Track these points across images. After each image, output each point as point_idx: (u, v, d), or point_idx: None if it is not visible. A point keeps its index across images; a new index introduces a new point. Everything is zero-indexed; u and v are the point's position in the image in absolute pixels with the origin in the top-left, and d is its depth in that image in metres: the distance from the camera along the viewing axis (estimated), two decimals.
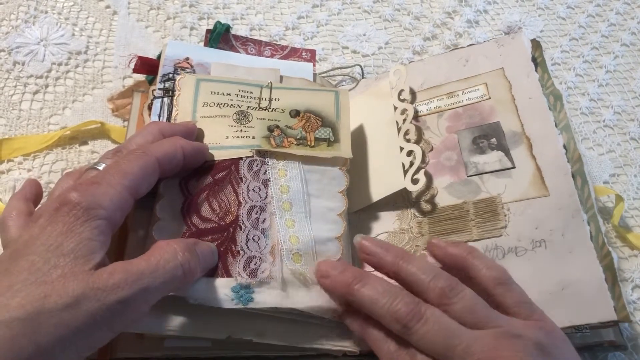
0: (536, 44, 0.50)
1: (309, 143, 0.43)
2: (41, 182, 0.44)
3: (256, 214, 0.39)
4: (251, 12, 0.63)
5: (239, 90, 0.46)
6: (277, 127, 0.44)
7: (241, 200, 0.39)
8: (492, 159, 0.45)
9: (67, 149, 0.51)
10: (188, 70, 0.48)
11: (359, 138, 0.49)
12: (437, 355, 0.32)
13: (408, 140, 0.46)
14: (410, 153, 0.45)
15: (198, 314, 0.36)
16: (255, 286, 0.36)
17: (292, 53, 0.56)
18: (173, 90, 0.46)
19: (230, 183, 0.40)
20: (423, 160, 0.45)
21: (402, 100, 0.49)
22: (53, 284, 0.28)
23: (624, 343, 0.41)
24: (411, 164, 0.45)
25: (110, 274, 0.29)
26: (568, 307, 0.38)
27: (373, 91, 0.52)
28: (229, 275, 0.36)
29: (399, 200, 0.46)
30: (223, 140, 0.42)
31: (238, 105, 0.45)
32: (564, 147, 0.44)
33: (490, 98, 0.48)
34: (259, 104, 0.45)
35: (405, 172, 0.45)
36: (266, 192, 0.40)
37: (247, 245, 0.38)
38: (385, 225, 0.45)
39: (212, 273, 0.36)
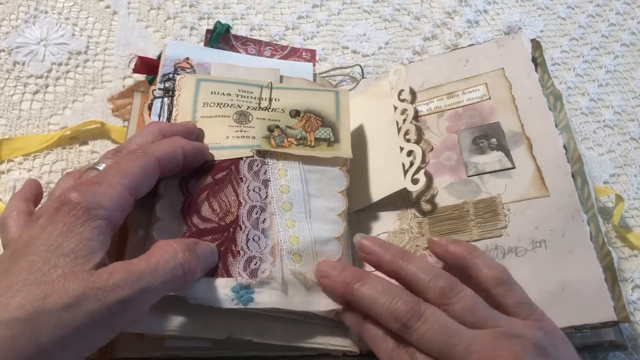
0: (536, 44, 0.50)
1: (309, 143, 0.43)
2: (41, 182, 0.44)
3: (256, 214, 0.39)
4: (251, 12, 0.63)
5: (239, 90, 0.46)
6: (277, 127, 0.44)
7: (241, 200, 0.39)
8: (492, 159, 0.45)
9: (67, 149, 0.51)
10: (188, 70, 0.48)
11: (359, 138, 0.49)
12: (437, 354, 0.32)
13: (408, 140, 0.46)
14: (410, 153, 0.45)
15: (198, 314, 0.36)
16: (255, 286, 0.36)
17: (292, 53, 0.56)
18: (173, 90, 0.46)
19: (231, 183, 0.40)
20: (423, 160, 0.45)
21: (402, 100, 0.49)
22: (53, 284, 0.28)
23: (624, 343, 0.41)
24: (411, 164, 0.45)
25: (111, 274, 0.29)
26: (568, 307, 0.38)
27: (373, 91, 0.52)
28: (229, 275, 0.36)
29: (399, 200, 0.46)
30: (223, 140, 0.42)
31: (238, 105, 0.45)
32: (564, 147, 0.44)
33: (490, 98, 0.48)
34: (259, 104, 0.45)
35: (406, 172, 0.45)
36: (266, 192, 0.40)
37: (247, 246, 0.38)
38: (386, 225, 0.45)
39: (212, 273, 0.36)
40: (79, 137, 0.52)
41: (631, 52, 0.60)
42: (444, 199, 0.45)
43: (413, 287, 0.36)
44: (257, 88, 0.46)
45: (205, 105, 0.44)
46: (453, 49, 0.54)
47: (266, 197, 0.40)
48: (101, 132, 0.52)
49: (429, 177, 0.46)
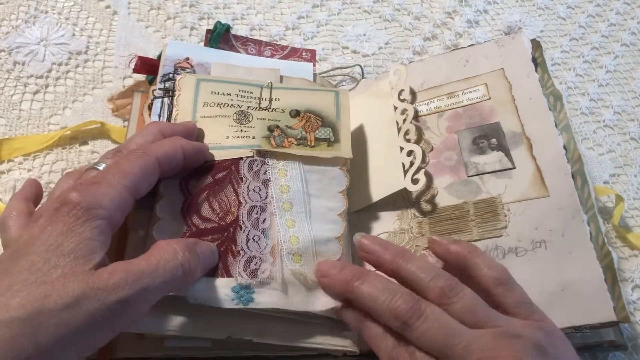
0: (536, 45, 0.50)
1: (309, 143, 0.43)
2: (41, 182, 0.44)
3: (256, 214, 0.39)
4: (251, 12, 0.63)
5: (239, 90, 0.46)
6: (277, 127, 0.44)
7: (241, 200, 0.39)
8: (492, 159, 0.45)
9: (67, 149, 0.51)
10: (188, 70, 0.48)
11: (359, 138, 0.49)
12: (437, 353, 0.32)
13: (408, 140, 0.46)
14: (410, 153, 0.45)
15: (198, 314, 0.36)
16: (255, 286, 0.36)
17: (292, 53, 0.56)
18: (173, 90, 0.46)
19: (231, 183, 0.40)
20: (423, 160, 0.45)
21: (402, 100, 0.49)
22: (53, 284, 0.28)
23: (624, 343, 0.41)
24: (411, 163, 0.45)
25: (111, 273, 0.29)
26: (568, 308, 0.38)
27: (373, 91, 0.52)
28: (229, 275, 0.36)
29: (399, 200, 0.46)
30: (223, 140, 0.42)
31: (238, 105, 0.45)
32: (564, 147, 0.44)
33: (490, 98, 0.48)
34: (259, 104, 0.45)
35: (406, 172, 0.45)
36: (266, 192, 0.40)
37: (247, 246, 0.38)
38: (386, 225, 0.45)
39: (213, 273, 0.36)
40: (79, 137, 0.52)
41: (631, 52, 0.60)
42: (444, 199, 0.45)
43: (413, 286, 0.36)
44: (257, 88, 0.46)
45: (206, 105, 0.44)
46: (453, 49, 0.54)
47: (266, 197, 0.40)
48: (101, 132, 0.52)
49: (429, 177, 0.46)
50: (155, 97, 0.46)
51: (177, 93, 0.45)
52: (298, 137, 0.44)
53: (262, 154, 0.42)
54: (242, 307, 0.35)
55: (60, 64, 0.56)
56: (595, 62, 0.60)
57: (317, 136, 0.44)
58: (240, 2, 0.63)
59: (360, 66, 0.56)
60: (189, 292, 0.35)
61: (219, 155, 0.41)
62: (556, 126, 0.45)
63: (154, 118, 0.45)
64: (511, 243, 0.41)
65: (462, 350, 0.31)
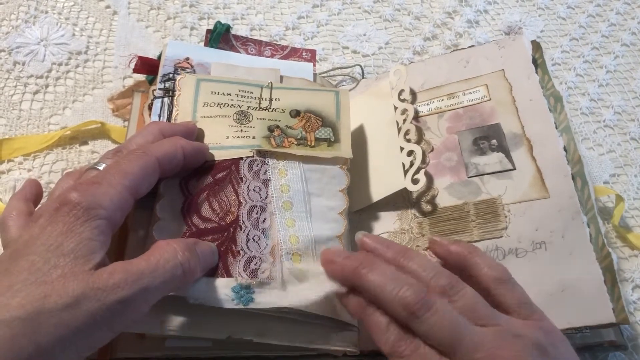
0: (536, 46, 0.50)
1: (309, 143, 0.43)
2: (41, 182, 0.44)
3: (256, 213, 0.39)
4: (251, 12, 0.63)
5: (239, 90, 0.46)
6: (278, 127, 0.44)
7: (241, 200, 0.39)
8: (492, 160, 0.45)
9: (67, 149, 0.51)
10: (188, 70, 0.48)
11: (359, 138, 0.49)
12: (443, 347, 0.32)
13: (408, 140, 0.46)
14: (410, 153, 0.45)
15: (198, 314, 0.36)
16: (255, 286, 0.36)
17: (292, 53, 0.56)
18: (173, 90, 0.46)
19: (231, 183, 0.40)
20: (423, 161, 0.45)
21: (403, 101, 0.49)
22: (53, 284, 0.28)
23: (624, 343, 0.41)
24: (411, 164, 0.45)
25: (110, 273, 0.29)
26: (567, 309, 0.38)
27: (373, 91, 0.52)
28: (229, 275, 0.36)
29: (400, 201, 0.46)
30: (223, 140, 0.42)
31: (238, 105, 0.45)
32: (564, 148, 0.44)
33: (490, 99, 0.48)
34: (259, 104, 0.45)
35: (406, 172, 0.45)
36: (266, 192, 0.40)
37: (247, 245, 0.38)
38: (386, 226, 0.45)
39: (213, 273, 0.36)
40: (79, 137, 0.52)
41: (631, 52, 0.60)
42: (444, 200, 0.45)
43: None
44: (258, 88, 0.46)
45: (206, 105, 0.44)
46: (454, 50, 0.54)
47: (266, 197, 0.40)
48: (101, 132, 0.52)
49: (429, 178, 0.46)
50: (155, 97, 0.46)
51: (177, 93, 0.45)
52: (298, 137, 0.44)
53: (262, 153, 0.42)
54: (242, 307, 0.35)
55: (60, 64, 0.56)
56: (596, 62, 0.60)
57: (317, 136, 0.44)
58: (240, 2, 0.63)
59: (361, 66, 0.56)
60: (189, 292, 0.35)
61: (219, 155, 0.41)
62: (556, 127, 0.45)
63: (154, 118, 0.45)
64: (511, 244, 0.41)
65: (469, 346, 0.31)
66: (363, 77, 0.56)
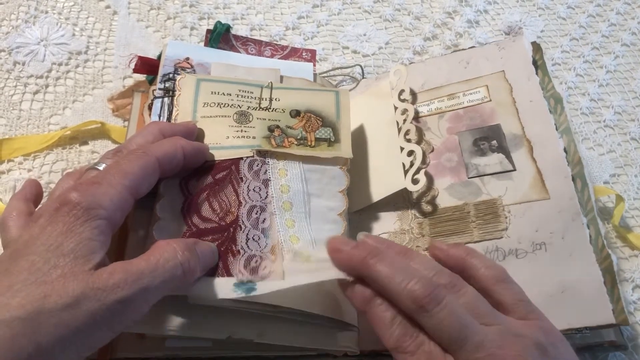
0: (537, 47, 0.50)
1: (309, 143, 0.43)
2: (41, 182, 0.44)
3: (256, 213, 0.39)
4: (251, 12, 0.63)
5: (240, 90, 0.46)
6: (278, 127, 0.44)
7: (241, 200, 0.39)
8: (492, 161, 0.45)
9: (67, 149, 0.51)
10: (188, 70, 0.48)
11: (359, 138, 0.49)
12: (448, 343, 0.31)
13: (409, 141, 0.46)
14: (410, 153, 0.45)
15: (198, 314, 0.36)
16: (257, 280, 0.36)
17: (293, 53, 0.56)
18: (173, 90, 0.46)
19: (231, 183, 0.40)
20: (423, 161, 0.45)
21: (403, 101, 0.49)
22: (53, 284, 0.28)
23: (624, 343, 0.41)
24: (411, 164, 0.45)
25: (110, 273, 0.29)
26: (567, 310, 0.38)
27: (373, 91, 0.52)
28: (229, 275, 0.36)
29: (400, 201, 0.46)
30: (223, 140, 0.42)
31: (238, 105, 0.45)
32: (565, 150, 0.44)
33: (491, 100, 0.48)
34: (260, 104, 0.45)
35: (406, 172, 0.45)
36: (266, 192, 0.40)
37: (247, 245, 0.38)
38: (386, 226, 0.45)
39: (213, 273, 0.36)
40: (79, 137, 0.52)
41: (631, 52, 0.60)
42: (444, 200, 0.45)
43: None
44: (258, 88, 0.46)
45: (206, 105, 0.44)
46: (454, 51, 0.54)
47: (266, 197, 0.40)
48: (101, 132, 0.52)
49: (429, 178, 0.46)
50: (155, 97, 0.46)
51: (177, 93, 0.45)
52: (298, 137, 0.43)
53: (263, 154, 0.42)
54: (244, 295, 0.35)
55: (60, 64, 0.56)
56: (596, 62, 0.60)
57: (318, 136, 0.44)
58: (240, 2, 0.63)
59: (361, 66, 0.56)
60: (189, 292, 0.35)
61: (219, 155, 0.41)
62: (556, 129, 0.45)
63: (154, 118, 0.45)
64: (511, 245, 0.41)
65: (475, 344, 0.31)
66: (363, 77, 0.56)
